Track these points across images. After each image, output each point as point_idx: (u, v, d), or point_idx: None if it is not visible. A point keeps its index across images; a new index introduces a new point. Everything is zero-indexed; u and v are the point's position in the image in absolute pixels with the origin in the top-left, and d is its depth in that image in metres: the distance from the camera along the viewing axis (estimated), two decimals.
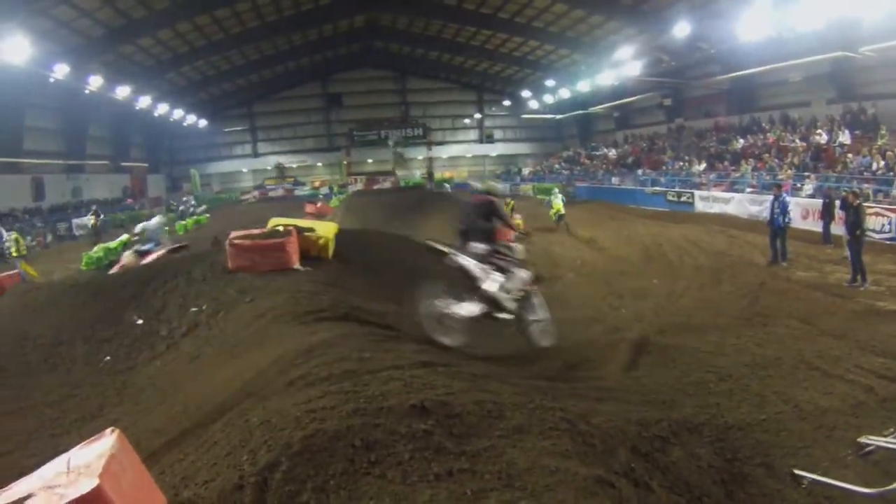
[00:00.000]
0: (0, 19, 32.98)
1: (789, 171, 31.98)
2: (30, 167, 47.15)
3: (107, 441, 4.35)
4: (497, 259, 11.29)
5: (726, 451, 7.16)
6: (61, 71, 39.74)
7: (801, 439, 7.48)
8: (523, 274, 11.71)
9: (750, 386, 9.23)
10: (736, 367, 10.09)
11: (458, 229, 11.83)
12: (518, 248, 11.97)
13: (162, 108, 59.48)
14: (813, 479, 6.61)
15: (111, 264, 24.87)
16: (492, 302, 11.09)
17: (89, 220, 39.33)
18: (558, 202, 32.54)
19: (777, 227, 18.44)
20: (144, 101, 54.21)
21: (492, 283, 11.04)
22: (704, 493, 6.09)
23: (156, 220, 28.49)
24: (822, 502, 6.33)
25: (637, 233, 26.58)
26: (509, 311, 11.42)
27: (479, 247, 11.22)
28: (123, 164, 63.74)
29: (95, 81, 44.62)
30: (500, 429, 6.13)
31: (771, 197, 20.02)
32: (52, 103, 46.83)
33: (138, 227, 26.76)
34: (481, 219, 11.46)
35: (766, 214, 19.86)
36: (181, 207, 56.98)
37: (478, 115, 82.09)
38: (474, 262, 11.09)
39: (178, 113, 64.84)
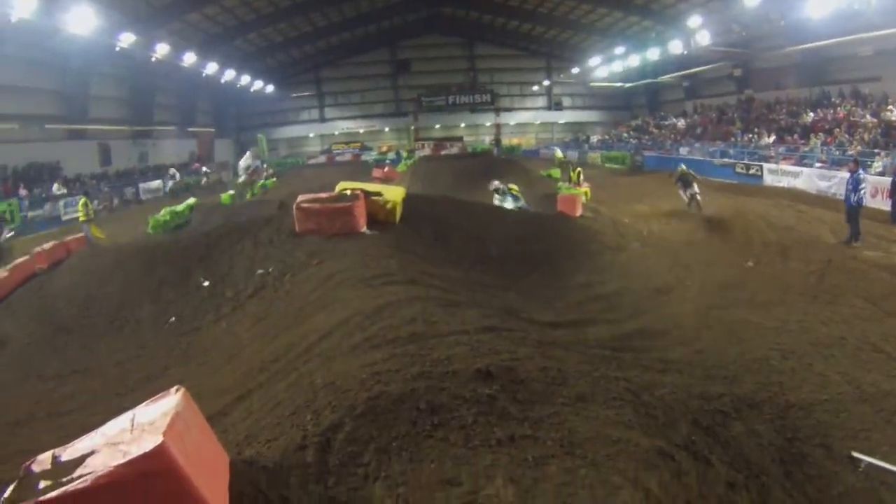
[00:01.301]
0: None
1: (859, 148, 31.19)
2: (97, 133, 47.67)
3: (171, 399, 4.39)
4: None
5: (786, 429, 7.08)
6: (127, 40, 39.89)
7: (862, 422, 7.35)
8: None
9: (813, 365, 9.07)
10: (800, 345, 9.91)
11: None
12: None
13: (229, 75, 59.42)
14: (870, 463, 6.51)
15: (178, 227, 25.15)
16: None
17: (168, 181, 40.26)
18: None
19: (849, 206, 17.92)
20: (211, 68, 54.27)
21: None
22: (763, 471, 6.03)
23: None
24: (878, 487, 6.22)
25: (705, 205, 26.13)
26: None
27: None
28: (190, 129, 63.96)
29: (162, 50, 44.71)
30: (564, 396, 6.13)
31: (847, 174, 19.41)
32: (118, 72, 47.12)
33: (243, 162, 27.20)
34: None
35: (842, 192, 19.26)
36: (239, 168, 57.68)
37: (546, 83, 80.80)
38: None
39: (245, 79, 64.54)
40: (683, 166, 27.23)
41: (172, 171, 43.86)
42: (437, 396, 5.73)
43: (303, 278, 13.67)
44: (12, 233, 26.50)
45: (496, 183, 27.24)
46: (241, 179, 42.71)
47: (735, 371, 8.86)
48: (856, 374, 8.65)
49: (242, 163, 44.92)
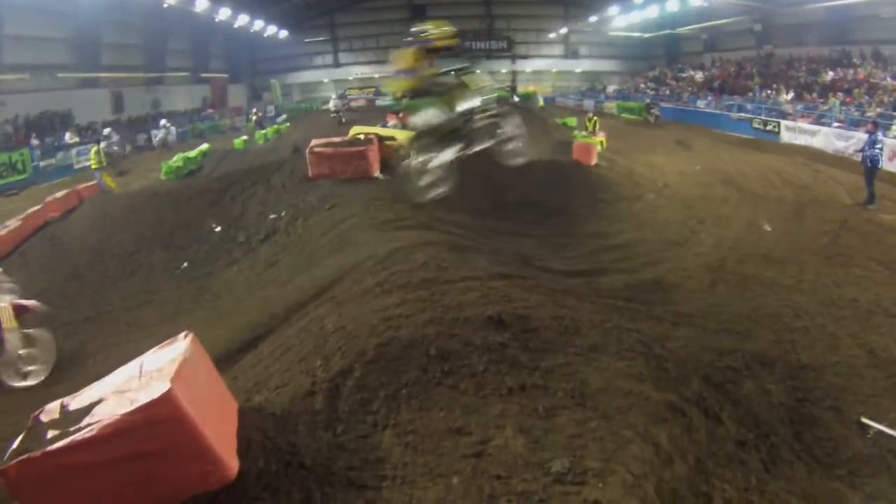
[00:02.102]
0: None
1: (879, 110, 30.90)
2: (109, 81, 47.66)
3: (180, 345, 4.39)
4: None
5: (797, 390, 7.03)
6: None
7: (873, 387, 7.30)
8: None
9: (825, 325, 9.00)
10: (812, 305, 9.83)
11: None
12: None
13: (242, 20, 58.94)
14: (879, 430, 6.47)
15: (190, 173, 25.16)
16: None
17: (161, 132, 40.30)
18: None
19: (865, 166, 17.75)
20: (224, 13, 53.84)
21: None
22: (772, 431, 6.00)
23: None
24: (885, 454, 6.17)
25: (721, 159, 25.84)
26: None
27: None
28: (203, 75, 63.88)
29: None
30: (576, 346, 6.09)
31: (865, 135, 19.15)
32: (130, 18, 46.81)
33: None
34: None
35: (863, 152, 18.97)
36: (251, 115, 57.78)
37: (563, 30, 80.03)
38: None
39: (258, 24, 63.97)
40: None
41: (163, 122, 43.01)
42: (448, 343, 5.71)
43: (315, 223, 13.68)
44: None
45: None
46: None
47: (748, 326, 8.80)
48: (867, 337, 8.57)
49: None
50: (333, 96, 50.54)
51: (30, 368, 9.99)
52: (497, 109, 11.37)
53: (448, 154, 10.95)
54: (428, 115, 10.59)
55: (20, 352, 9.92)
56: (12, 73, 36.00)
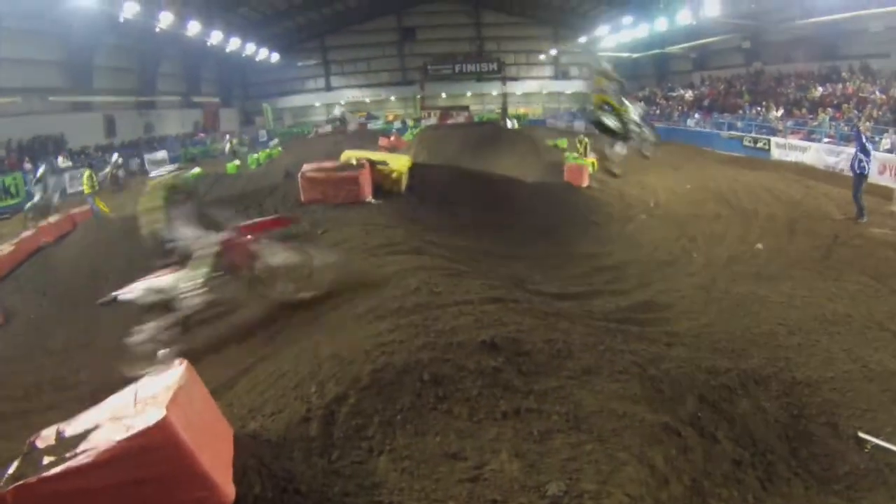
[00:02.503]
0: None
1: (868, 124, 31.01)
2: (101, 105, 47.65)
3: (175, 372, 4.41)
4: None
5: (793, 406, 7.05)
6: (131, 10, 39.77)
7: (868, 401, 7.30)
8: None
9: (819, 342, 9.01)
10: (806, 321, 9.84)
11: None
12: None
13: (234, 44, 59.08)
14: (876, 444, 6.49)
15: None
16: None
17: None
18: None
19: (854, 174, 17.68)
20: (216, 37, 54.01)
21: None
22: (769, 448, 6.04)
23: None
24: (882, 469, 6.19)
25: (712, 177, 25.97)
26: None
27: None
28: (195, 99, 63.96)
29: (166, 19, 44.46)
30: (570, 369, 6.11)
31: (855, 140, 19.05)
32: (122, 42, 46.87)
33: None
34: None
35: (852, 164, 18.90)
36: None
37: (553, 52, 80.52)
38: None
39: (250, 48, 64.09)
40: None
41: (115, 156, 42.45)
42: (442, 368, 5.73)
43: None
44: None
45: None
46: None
47: (742, 345, 8.82)
48: (862, 352, 8.60)
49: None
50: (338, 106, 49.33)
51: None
52: (639, 122, 19.20)
53: (619, 145, 19.57)
54: (611, 120, 18.32)
55: None
56: (4, 97, 36.00)
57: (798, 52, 46.34)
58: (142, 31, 44.77)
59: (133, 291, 10.57)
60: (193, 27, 48.35)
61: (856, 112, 33.33)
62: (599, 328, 8.32)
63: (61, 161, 37.78)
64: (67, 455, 3.76)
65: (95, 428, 3.96)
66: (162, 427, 3.75)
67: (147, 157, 45.94)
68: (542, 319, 7.72)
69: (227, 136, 52.95)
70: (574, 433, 5.15)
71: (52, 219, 19.31)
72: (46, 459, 3.81)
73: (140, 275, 11.00)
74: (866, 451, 6.41)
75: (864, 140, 17.97)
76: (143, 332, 10.09)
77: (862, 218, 17.20)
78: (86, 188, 25.46)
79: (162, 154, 48.10)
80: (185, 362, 4.53)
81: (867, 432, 6.63)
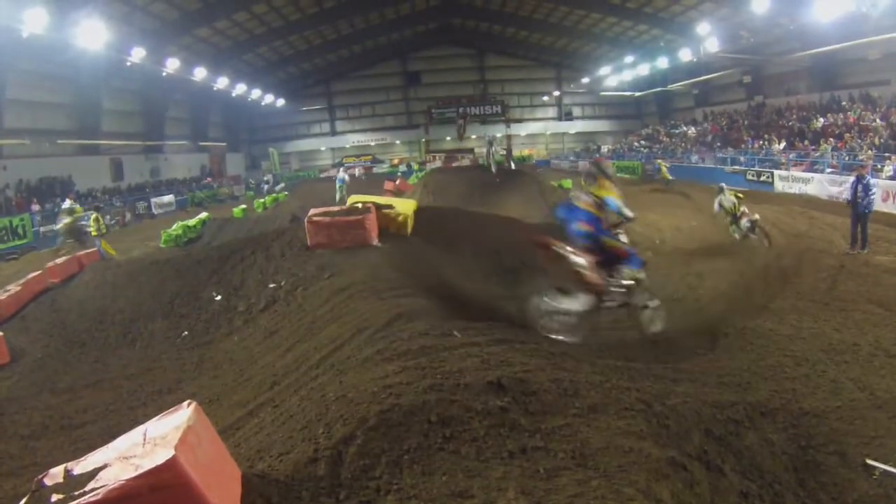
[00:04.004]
0: (77, 4, 33.68)
1: (870, 152, 31.14)
2: (109, 148, 48.35)
3: (183, 413, 4.41)
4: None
5: (800, 437, 7.05)
6: (138, 55, 40.39)
7: (876, 429, 7.30)
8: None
9: (826, 372, 9.01)
10: (812, 352, 9.85)
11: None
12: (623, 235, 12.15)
13: (240, 89, 60.03)
14: (885, 471, 6.49)
15: (190, 241, 25.38)
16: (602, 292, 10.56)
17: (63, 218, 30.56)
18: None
19: (861, 212, 17.70)
20: (222, 82, 54.83)
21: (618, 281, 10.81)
22: (776, 480, 6.02)
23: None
24: (892, 495, 6.18)
25: (717, 212, 26.16)
26: (620, 300, 11.01)
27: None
28: (202, 143, 64.80)
29: (172, 64, 45.37)
30: (576, 407, 6.12)
31: (853, 178, 19.01)
32: (130, 86, 47.70)
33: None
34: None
35: (846, 196, 18.95)
36: (262, 185, 58.29)
37: (556, 93, 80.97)
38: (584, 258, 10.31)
39: (256, 93, 65.46)
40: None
41: (66, 203, 41.68)
42: (449, 409, 5.74)
43: (314, 292, 13.73)
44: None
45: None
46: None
47: (748, 378, 8.82)
48: (869, 380, 8.61)
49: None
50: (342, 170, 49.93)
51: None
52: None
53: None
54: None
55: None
56: (13, 138, 36.39)
57: (798, 83, 46.82)
58: (149, 76, 45.53)
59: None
60: (200, 72, 49.13)
61: (858, 141, 33.45)
62: (606, 366, 8.31)
63: (68, 203, 38.03)
64: (76, 493, 3.77)
65: (104, 467, 3.96)
66: (171, 466, 3.76)
67: (154, 200, 46.25)
68: (548, 359, 7.74)
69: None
70: (580, 470, 5.15)
71: (60, 259, 19.39)
72: (55, 498, 3.82)
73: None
74: (874, 477, 6.41)
75: (869, 181, 17.96)
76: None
77: (864, 249, 17.21)
78: (93, 231, 25.57)
79: (169, 198, 48.44)
80: (194, 403, 4.56)
81: (875, 459, 6.64)
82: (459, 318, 10.07)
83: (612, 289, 10.72)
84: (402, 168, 74.16)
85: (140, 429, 4.35)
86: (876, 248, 17.19)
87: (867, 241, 17.39)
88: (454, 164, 71.91)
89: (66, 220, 28.25)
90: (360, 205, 17.15)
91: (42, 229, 34.00)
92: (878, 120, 34.84)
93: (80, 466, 4.07)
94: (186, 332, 14.03)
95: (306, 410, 6.38)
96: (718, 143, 48.33)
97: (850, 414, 7.65)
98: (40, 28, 30.88)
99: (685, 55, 50.04)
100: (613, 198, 10.91)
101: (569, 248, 10.32)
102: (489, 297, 13.58)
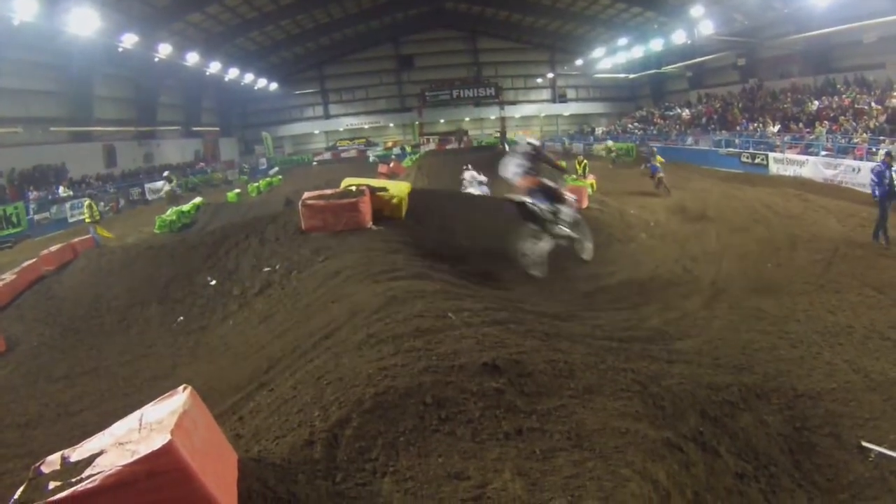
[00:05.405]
0: None
1: (865, 135, 31.14)
2: (101, 135, 48.24)
3: (179, 398, 4.39)
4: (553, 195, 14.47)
5: (795, 419, 7.11)
6: (130, 41, 40.24)
7: (871, 411, 7.37)
8: (572, 204, 14.92)
9: (821, 354, 9.10)
10: (807, 334, 9.94)
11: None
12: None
13: (232, 73, 59.89)
14: (880, 452, 6.53)
15: (184, 227, 25.35)
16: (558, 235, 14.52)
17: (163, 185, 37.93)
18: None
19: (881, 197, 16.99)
20: (215, 67, 54.66)
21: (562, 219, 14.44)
22: (772, 461, 6.06)
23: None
24: (887, 476, 6.23)
25: (711, 194, 26.08)
26: (569, 236, 14.79)
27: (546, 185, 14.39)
28: (195, 128, 64.67)
29: (164, 50, 45.21)
30: (571, 389, 6.14)
31: (877, 166, 17.95)
32: (122, 72, 47.37)
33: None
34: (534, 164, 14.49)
35: (848, 180, 18.57)
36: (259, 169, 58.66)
37: (550, 75, 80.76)
38: (545, 204, 14.15)
39: (248, 77, 65.32)
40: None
41: (167, 173, 40.51)
42: (444, 391, 5.75)
43: (309, 275, 13.70)
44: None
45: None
46: None
47: (743, 360, 8.87)
48: (864, 362, 8.66)
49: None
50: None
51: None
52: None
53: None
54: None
55: None
56: (5, 127, 36.26)
57: (793, 66, 46.65)
58: (141, 62, 45.19)
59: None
60: (192, 58, 48.92)
61: (853, 124, 33.41)
62: (601, 347, 8.34)
63: (62, 191, 37.96)
64: (73, 480, 3.74)
65: (101, 453, 3.94)
66: (167, 452, 3.73)
67: (147, 186, 46.14)
68: (543, 340, 7.75)
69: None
70: (576, 451, 5.16)
71: (54, 247, 19.33)
72: (52, 485, 3.79)
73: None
74: (870, 459, 6.45)
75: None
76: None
77: (886, 241, 16.44)
78: (86, 217, 25.54)
79: (162, 183, 48.40)
80: (190, 388, 4.55)
81: (870, 441, 6.69)
82: (453, 299, 10.07)
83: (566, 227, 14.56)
84: (396, 151, 74.08)
85: (136, 414, 4.33)
86: (869, 232, 17.11)
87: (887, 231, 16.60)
88: (448, 147, 71.80)
89: (166, 188, 32.22)
90: (353, 188, 17.08)
91: (37, 217, 33.95)
92: (873, 103, 34.79)
93: (77, 453, 4.04)
94: (182, 318, 13.99)
95: (302, 393, 6.38)
96: (713, 126, 48.24)
97: (844, 396, 7.71)
98: (31, 16, 30.77)
99: (679, 37, 49.92)
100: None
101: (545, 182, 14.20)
102: (482, 278, 13.60)
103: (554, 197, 14.43)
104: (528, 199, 13.99)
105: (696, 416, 6.19)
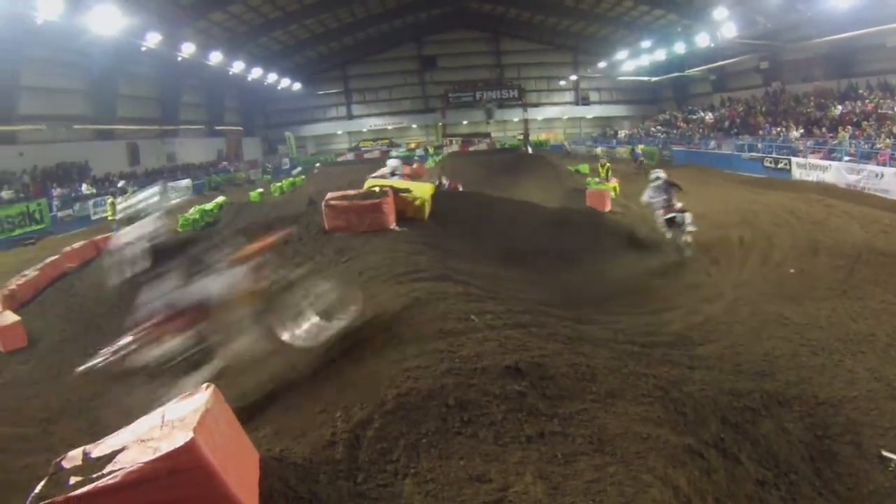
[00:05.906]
0: None
1: (888, 141, 30.91)
2: (125, 133, 48.49)
3: (202, 396, 4.44)
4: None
5: (816, 427, 7.05)
6: (153, 40, 40.35)
7: (892, 420, 7.28)
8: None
9: (843, 361, 8.99)
10: (829, 341, 9.81)
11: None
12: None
13: (256, 73, 59.89)
14: None
15: (207, 226, 25.39)
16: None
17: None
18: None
19: None
20: (238, 67, 54.74)
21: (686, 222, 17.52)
22: (792, 469, 6.03)
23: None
24: None
25: (734, 199, 25.90)
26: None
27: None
28: (218, 128, 64.86)
29: (188, 49, 45.28)
30: (593, 393, 6.13)
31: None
32: (145, 71, 47.48)
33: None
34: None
35: (871, 185, 18.51)
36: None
37: (573, 77, 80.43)
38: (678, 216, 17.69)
39: (272, 77, 65.37)
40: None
41: (121, 183, 37.47)
42: (467, 393, 5.76)
43: (332, 276, 13.69)
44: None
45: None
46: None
47: (765, 366, 8.81)
48: (885, 370, 8.57)
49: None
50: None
51: None
52: None
53: None
54: None
55: None
56: (29, 124, 36.46)
57: (816, 70, 46.35)
58: (165, 61, 45.35)
59: None
60: (215, 57, 48.98)
61: (876, 129, 33.21)
62: (623, 352, 8.31)
63: (85, 188, 38.14)
64: (94, 476, 3.81)
65: (122, 450, 3.99)
66: (189, 449, 3.79)
67: (171, 185, 46.36)
68: (565, 344, 7.74)
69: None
70: (598, 456, 5.16)
71: (77, 244, 19.40)
72: (73, 480, 3.85)
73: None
74: (890, 469, 6.41)
75: None
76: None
77: None
78: (109, 215, 25.70)
79: (186, 182, 48.53)
80: (212, 386, 4.57)
81: (891, 451, 6.62)
82: (475, 301, 10.06)
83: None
84: (420, 152, 74.02)
85: (158, 411, 4.37)
86: (894, 237, 16.97)
87: None
88: (471, 148, 71.77)
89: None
90: (377, 189, 17.07)
91: (60, 214, 34.14)
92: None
93: (99, 449, 4.10)
94: None
95: (324, 394, 6.41)
96: (735, 130, 47.97)
97: (866, 404, 7.63)
98: (55, 15, 30.92)
99: (702, 40, 49.60)
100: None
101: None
102: (505, 280, 13.57)
103: (679, 210, 18.00)
104: (675, 214, 17.75)
105: (717, 423, 6.18)
